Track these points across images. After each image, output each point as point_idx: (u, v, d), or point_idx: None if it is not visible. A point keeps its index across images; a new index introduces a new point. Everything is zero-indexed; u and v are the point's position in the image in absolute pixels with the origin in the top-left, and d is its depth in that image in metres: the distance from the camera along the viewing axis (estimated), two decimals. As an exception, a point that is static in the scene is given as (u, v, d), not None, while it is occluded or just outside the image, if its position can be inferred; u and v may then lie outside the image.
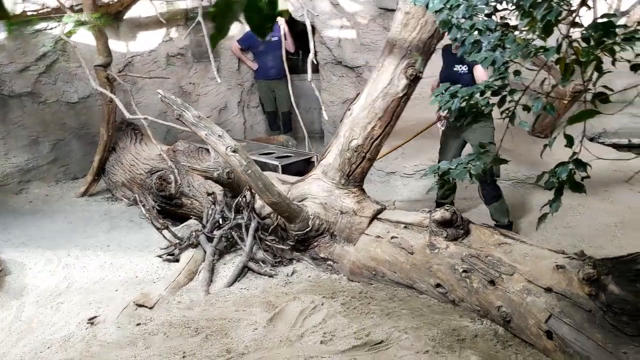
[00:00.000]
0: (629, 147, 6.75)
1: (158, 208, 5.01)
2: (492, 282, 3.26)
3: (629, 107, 6.73)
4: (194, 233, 4.40)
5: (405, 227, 3.86)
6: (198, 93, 7.99)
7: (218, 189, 4.59)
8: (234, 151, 3.75)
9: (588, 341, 2.76)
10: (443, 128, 5.20)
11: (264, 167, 5.00)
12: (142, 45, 7.33)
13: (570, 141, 1.89)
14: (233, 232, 4.36)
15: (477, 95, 2.02)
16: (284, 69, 6.08)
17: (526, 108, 2.04)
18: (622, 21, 5.54)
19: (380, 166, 6.39)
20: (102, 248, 4.86)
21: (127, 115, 5.27)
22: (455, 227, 3.58)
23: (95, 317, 3.56)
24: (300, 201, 4.23)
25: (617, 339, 2.71)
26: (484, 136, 4.76)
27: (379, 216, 4.08)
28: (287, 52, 6.61)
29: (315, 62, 4.89)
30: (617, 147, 6.70)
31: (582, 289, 2.88)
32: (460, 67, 4.93)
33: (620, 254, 3.08)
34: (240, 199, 4.35)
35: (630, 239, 4.58)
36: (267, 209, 4.25)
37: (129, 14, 7.00)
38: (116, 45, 6.86)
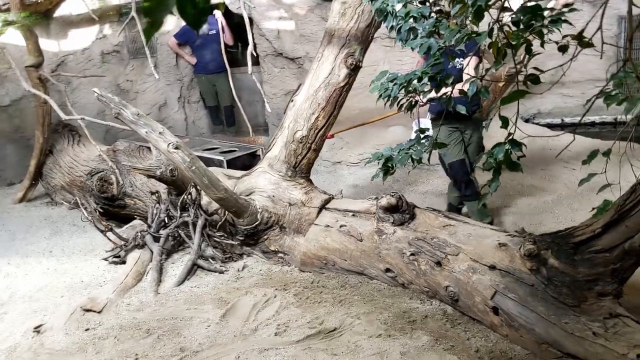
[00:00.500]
0: (562, 127, 7.05)
1: (101, 210, 4.88)
2: (438, 263, 3.35)
3: (561, 88, 7.05)
4: (139, 233, 4.32)
5: (353, 215, 3.91)
6: (136, 90, 7.82)
7: (162, 188, 4.51)
8: (176, 148, 3.70)
9: (532, 314, 2.88)
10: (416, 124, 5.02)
11: (209, 162, 4.95)
12: (75, 43, 7.10)
13: (505, 123, 1.96)
14: (180, 231, 4.30)
15: (415, 81, 2.07)
16: (223, 62, 6.01)
17: (462, 92, 2.10)
18: (550, 4, 5.75)
19: (326, 156, 6.43)
20: (44, 254, 4.71)
21: (63, 116, 5.10)
22: (401, 212, 3.65)
23: (41, 325, 3.45)
24: (247, 195, 4.21)
25: (559, 310, 2.84)
26: (479, 127, 4.71)
27: (327, 206, 4.11)
28: (225, 45, 6.54)
29: (255, 55, 4.85)
30: (551, 126, 6.99)
31: (524, 264, 2.99)
32: (458, 61, 4.32)
33: (558, 229, 3.22)
34: (186, 197, 4.29)
35: (566, 213, 4.78)
36: (214, 205, 4.22)
37: (59, 12, 6.76)
38: (47, 44, 6.62)
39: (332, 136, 5.18)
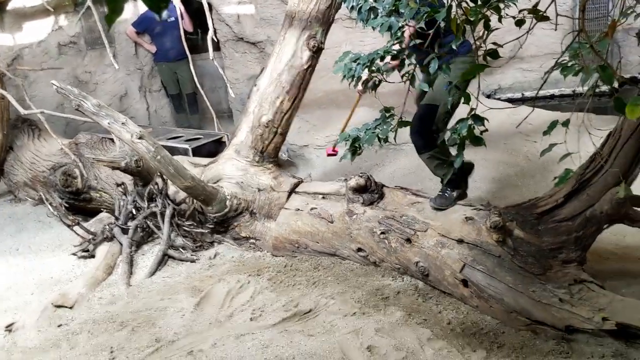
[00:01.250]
0: (523, 101, 7.19)
1: (66, 205, 4.80)
2: (408, 240, 3.41)
3: (520, 63, 7.16)
4: (107, 226, 4.27)
5: (323, 197, 3.93)
6: (95, 81, 7.65)
7: (128, 179, 4.45)
8: (140, 138, 3.66)
9: (500, 284, 2.96)
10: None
11: (173, 151, 4.90)
12: (30, 36, 6.90)
13: (467, 98, 1.99)
14: (148, 221, 4.26)
15: (378, 60, 2.09)
16: (183, 49, 5.92)
17: (424, 70, 2.13)
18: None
19: (293, 140, 6.42)
20: (10, 252, 4.61)
21: (22, 111, 4.97)
22: (370, 192, 3.69)
23: (12, 323, 3.40)
24: (215, 183, 4.19)
25: (526, 279, 2.93)
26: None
27: (296, 189, 4.12)
28: (185, 31, 6.44)
29: (215, 40, 4.81)
30: (512, 101, 7.12)
31: (490, 237, 3.07)
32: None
33: (522, 201, 3.30)
34: (152, 187, 4.25)
35: (529, 185, 4.89)
36: (182, 194, 4.19)
37: (12, 4, 6.54)
38: (2, 38, 6.43)
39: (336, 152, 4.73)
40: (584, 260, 2.98)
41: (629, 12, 1.86)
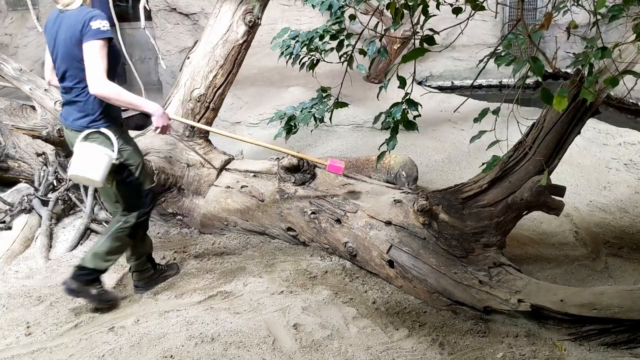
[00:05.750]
0: (452, 89, 7.39)
1: (-20, 173, 4.54)
2: (338, 221, 3.44)
3: (451, 52, 7.35)
4: (26, 197, 4.07)
5: (254, 175, 3.90)
6: (16, 45, 7.25)
7: (49, 149, 4.26)
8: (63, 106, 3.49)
9: (424, 265, 3.05)
10: None
11: (100, 122, 4.71)
12: (-58, -10, 6.43)
13: (402, 82, 2.02)
14: (70, 194, 4.10)
15: (317, 39, 2.08)
16: (111, 16, 5.66)
17: (362, 52, 2.14)
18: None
19: (224, 116, 6.32)
20: None
21: None
22: (303, 172, 3.69)
23: None
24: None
25: (449, 261, 3.03)
26: None
27: (227, 167, 4.06)
28: (114, -2, 6.18)
29: (148, 9, 4.64)
30: (442, 89, 7.31)
31: (417, 219, 3.15)
32: None
33: (448, 186, 3.40)
34: (76, 158, 4.08)
35: (455, 171, 5.05)
36: (108, 167, 4.04)
37: None
38: None
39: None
40: (504, 245, 3.12)
41: (561, 6, 1.93)
